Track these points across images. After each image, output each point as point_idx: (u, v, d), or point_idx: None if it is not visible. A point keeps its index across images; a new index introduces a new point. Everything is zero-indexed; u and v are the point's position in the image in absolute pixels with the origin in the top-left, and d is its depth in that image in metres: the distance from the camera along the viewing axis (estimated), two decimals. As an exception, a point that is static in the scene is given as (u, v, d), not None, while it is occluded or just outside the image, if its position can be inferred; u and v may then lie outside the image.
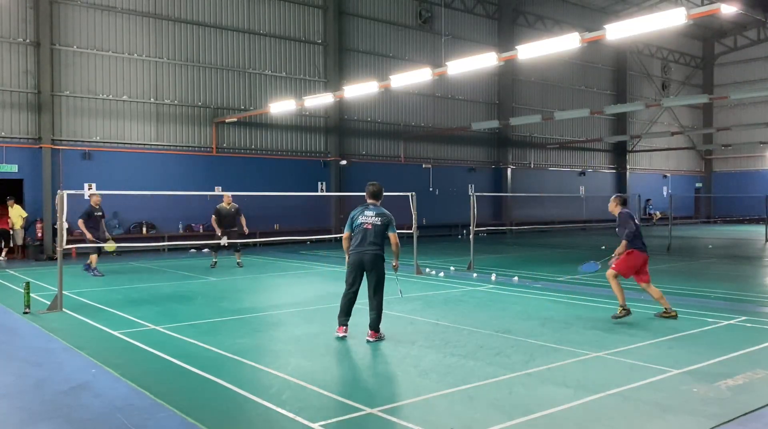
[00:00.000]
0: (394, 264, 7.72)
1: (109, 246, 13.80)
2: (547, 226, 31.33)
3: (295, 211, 24.27)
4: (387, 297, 7.68)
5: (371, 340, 7.39)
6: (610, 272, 8.71)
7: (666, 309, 8.77)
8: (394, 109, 28.33)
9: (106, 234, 14.88)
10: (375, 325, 7.44)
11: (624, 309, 8.52)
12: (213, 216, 15.70)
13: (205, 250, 16.95)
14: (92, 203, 14.11)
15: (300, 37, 25.28)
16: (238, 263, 16.12)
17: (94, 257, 14.29)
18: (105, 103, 20.88)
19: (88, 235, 13.81)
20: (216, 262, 16.00)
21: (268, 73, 24.43)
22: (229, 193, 16.05)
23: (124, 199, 19.72)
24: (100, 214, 14.23)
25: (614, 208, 9.11)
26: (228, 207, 15.68)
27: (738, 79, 41.63)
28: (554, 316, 8.94)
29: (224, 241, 15.16)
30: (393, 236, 7.52)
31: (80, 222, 13.87)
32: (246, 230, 16.09)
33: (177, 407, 5.08)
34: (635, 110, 35.84)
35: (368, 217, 7.49)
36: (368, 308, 7.53)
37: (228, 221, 15.63)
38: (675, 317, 8.68)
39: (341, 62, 26.20)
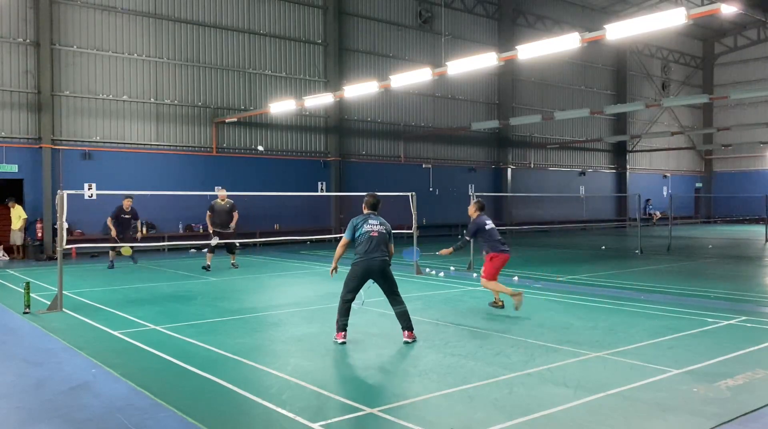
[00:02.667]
0: None
1: (124, 249, 14.91)
2: (547, 226, 31.34)
3: (295, 211, 24.26)
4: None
5: (410, 340, 7.30)
6: (482, 282, 9.46)
7: (496, 300, 9.58)
8: (394, 109, 28.34)
9: (138, 234, 16.60)
10: (410, 325, 7.38)
11: (497, 303, 9.36)
12: (208, 212, 15.01)
13: (205, 249, 16.92)
14: (123, 206, 15.53)
15: (300, 37, 25.28)
16: (232, 264, 15.33)
17: (112, 253, 15.82)
18: (105, 103, 20.88)
19: (113, 233, 15.49)
20: (210, 265, 14.91)
21: (268, 73, 24.43)
22: (224, 189, 15.38)
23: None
24: (128, 216, 15.62)
25: (472, 212, 9.75)
26: (223, 203, 14.91)
27: (738, 79, 41.63)
28: (554, 316, 8.94)
29: (214, 241, 14.53)
30: (391, 246, 7.61)
31: (108, 220, 15.61)
32: (233, 229, 15.16)
33: (177, 407, 5.08)
34: (635, 110, 35.86)
35: (374, 226, 7.47)
36: (394, 312, 7.47)
37: (222, 219, 14.87)
38: (502, 307, 9.42)
39: (341, 62, 26.20)
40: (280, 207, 23.44)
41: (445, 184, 29.65)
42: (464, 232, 9.89)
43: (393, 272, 7.55)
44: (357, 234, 7.45)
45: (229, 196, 15.39)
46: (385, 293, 7.51)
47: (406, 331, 7.35)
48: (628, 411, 4.97)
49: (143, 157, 21.43)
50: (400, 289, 7.51)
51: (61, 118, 20.11)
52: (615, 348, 6.94)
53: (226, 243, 14.93)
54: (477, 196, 10.02)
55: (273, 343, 7.54)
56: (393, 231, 7.71)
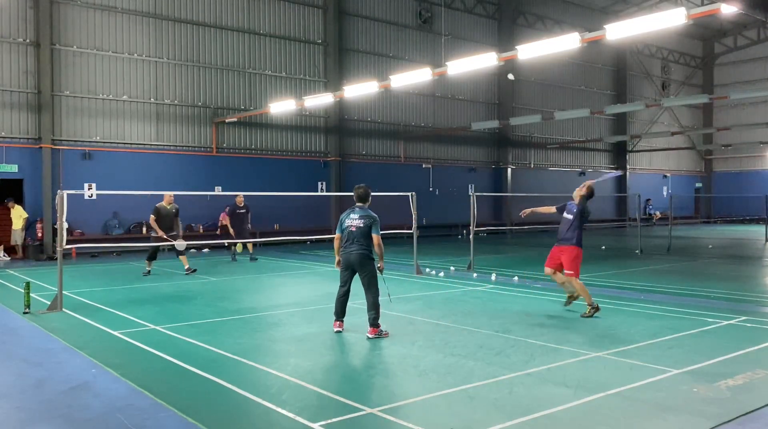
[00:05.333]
0: (379, 265, 7.78)
1: (238, 245, 17.16)
2: (547, 226, 31.28)
3: (295, 211, 24.26)
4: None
5: (371, 336, 7.50)
6: (575, 281, 9.04)
7: (570, 295, 9.41)
8: (394, 109, 28.33)
9: (249, 227, 17.60)
10: (374, 322, 7.58)
11: (593, 307, 8.85)
12: (152, 216, 13.99)
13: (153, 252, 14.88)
14: (237, 202, 16.96)
15: (300, 37, 25.28)
16: (187, 270, 14.33)
17: (239, 246, 18.05)
18: (105, 103, 20.88)
19: (231, 230, 16.80)
20: (150, 271, 14.17)
21: (268, 73, 24.43)
22: (171, 193, 14.38)
23: (124, 199, 19.70)
24: (243, 211, 16.98)
25: (579, 194, 9.76)
26: (169, 207, 14.10)
27: (738, 79, 41.61)
28: (554, 316, 8.94)
29: (181, 244, 13.66)
30: (375, 237, 7.69)
31: (224, 216, 17.18)
32: (181, 232, 14.56)
33: (177, 407, 5.08)
34: (635, 110, 35.83)
35: (353, 220, 7.74)
36: (366, 307, 7.70)
37: (167, 223, 13.99)
38: (575, 300, 9.34)
39: (341, 62, 26.19)
40: (280, 207, 23.43)
41: (445, 184, 29.65)
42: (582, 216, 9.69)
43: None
44: (342, 228, 7.84)
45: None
46: (362, 286, 7.75)
47: (369, 327, 7.60)
48: (628, 411, 4.97)
49: (143, 157, 21.42)
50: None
51: (61, 118, 20.10)
52: (615, 348, 6.94)
53: (176, 249, 14.02)
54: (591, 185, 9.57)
55: (273, 343, 7.54)
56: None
